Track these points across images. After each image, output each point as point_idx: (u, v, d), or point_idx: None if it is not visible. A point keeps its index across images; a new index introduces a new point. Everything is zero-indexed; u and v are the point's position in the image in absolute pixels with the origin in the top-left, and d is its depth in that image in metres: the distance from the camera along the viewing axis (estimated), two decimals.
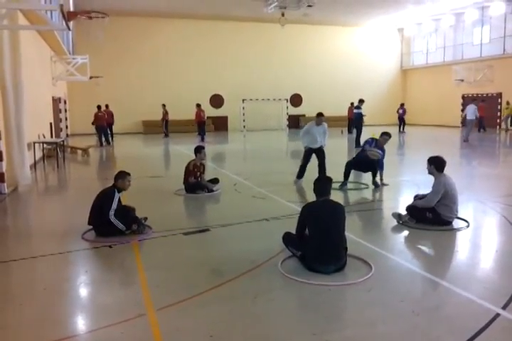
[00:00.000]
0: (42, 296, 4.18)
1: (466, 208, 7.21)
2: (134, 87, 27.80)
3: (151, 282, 4.41)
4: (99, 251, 5.50)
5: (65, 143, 16.26)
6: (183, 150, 16.98)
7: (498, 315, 3.65)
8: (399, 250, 5.45)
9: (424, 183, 7.02)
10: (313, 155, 9.75)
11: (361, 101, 18.61)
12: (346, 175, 9.17)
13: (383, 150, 9.18)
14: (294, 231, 4.99)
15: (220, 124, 29.50)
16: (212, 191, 8.80)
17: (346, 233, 4.83)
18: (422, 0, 24.83)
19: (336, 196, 8.08)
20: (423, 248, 5.78)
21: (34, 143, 12.58)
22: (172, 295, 4.08)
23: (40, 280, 4.64)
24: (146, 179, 10.48)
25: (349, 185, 9.34)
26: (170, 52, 28.35)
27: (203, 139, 21.25)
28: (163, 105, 24.01)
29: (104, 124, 20.09)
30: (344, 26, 31.81)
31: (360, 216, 7.20)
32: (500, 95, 26.49)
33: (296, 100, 31.76)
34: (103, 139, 19.93)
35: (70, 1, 18.70)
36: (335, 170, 9.39)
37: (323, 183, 4.98)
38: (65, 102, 23.58)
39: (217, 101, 29.92)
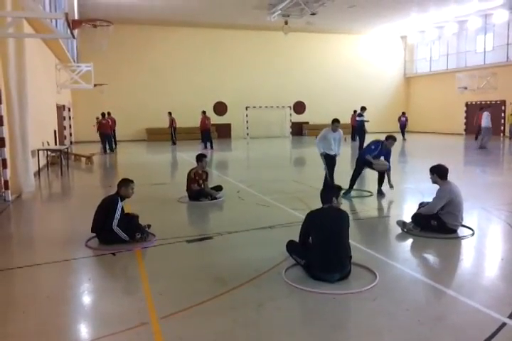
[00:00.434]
0: (45, 304, 4.16)
1: (470, 216, 7.17)
2: (138, 94, 27.93)
3: (154, 290, 4.39)
4: (103, 258, 5.49)
5: (69, 151, 16.30)
6: (186, 157, 17.00)
7: (504, 324, 3.61)
8: (404, 258, 5.42)
9: (428, 191, 7.00)
10: None
11: (363, 108, 18.65)
12: (352, 182, 9.15)
13: (389, 152, 9.16)
14: (297, 239, 4.97)
15: (224, 132, 29.56)
16: (215, 198, 8.79)
17: (350, 241, 4.80)
18: (426, 8, 24.94)
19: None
20: (428, 256, 5.74)
21: (38, 150, 12.62)
22: (175, 303, 4.06)
23: (43, 288, 4.62)
24: (150, 186, 10.49)
25: (353, 193, 9.31)
26: (173, 60, 28.50)
27: (205, 147, 21.16)
28: (169, 113, 23.97)
29: (108, 131, 20.19)
30: (347, 34, 31.94)
31: (364, 224, 7.17)
32: (504, 103, 26.48)
33: (299, 107, 31.83)
34: (107, 146, 20.00)
35: (75, 9, 18.90)
36: (339, 178, 9.38)
37: (326, 191, 4.97)
38: (69, 110, 23.70)
39: (220, 108, 30.01)
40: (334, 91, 31.84)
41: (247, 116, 28.93)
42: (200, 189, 8.81)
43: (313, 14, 23.75)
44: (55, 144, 16.44)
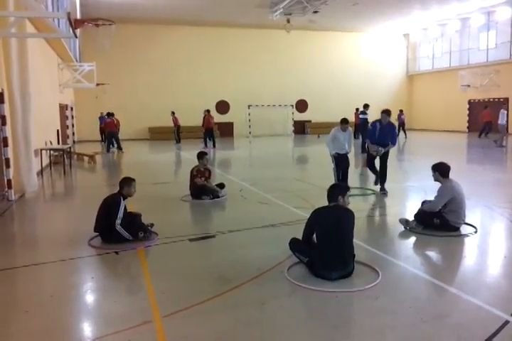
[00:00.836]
0: (48, 303, 4.17)
1: (473, 214, 7.16)
2: (141, 93, 27.96)
3: (157, 289, 4.40)
4: (106, 257, 5.50)
5: (72, 150, 16.33)
6: (189, 156, 17.00)
7: (507, 322, 3.61)
8: (406, 256, 5.41)
9: (431, 189, 6.99)
10: None
11: (366, 106, 18.57)
12: (374, 172, 9.33)
13: (392, 128, 9.21)
14: (300, 237, 4.96)
15: (226, 130, 29.59)
16: (217, 197, 8.80)
17: (354, 239, 4.80)
18: (428, 5, 24.87)
19: None
20: (431, 254, 5.74)
21: (41, 149, 12.64)
22: (178, 302, 4.07)
23: (46, 287, 4.64)
24: (152, 185, 10.51)
25: (356, 191, 9.31)
26: (176, 59, 28.51)
27: (206, 145, 21.10)
28: (172, 112, 23.92)
29: (114, 130, 20.19)
30: (350, 32, 31.90)
31: (367, 222, 7.17)
32: (506, 100, 26.40)
33: (301, 106, 31.81)
34: (112, 145, 19.98)
35: (77, 8, 18.92)
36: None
37: (333, 189, 4.94)
38: (71, 109, 23.73)
39: (223, 107, 30.02)
40: (336, 90, 31.81)
41: (249, 114, 28.89)
42: (203, 184, 8.81)
43: (315, 12, 23.74)
44: (58, 143, 16.45)
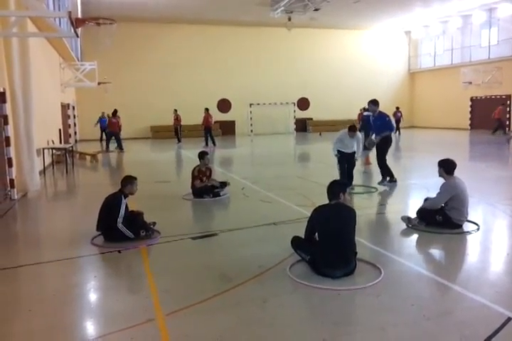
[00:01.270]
0: (51, 302, 4.19)
1: (476, 211, 7.15)
2: (142, 92, 27.95)
3: (160, 287, 4.41)
4: (108, 256, 5.51)
5: (74, 149, 16.35)
6: (190, 155, 17.01)
7: (509, 319, 3.60)
8: (408, 254, 5.41)
9: (434, 186, 6.98)
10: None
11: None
12: (384, 169, 9.47)
13: (382, 117, 9.43)
14: (302, 235, 4.96)
15: (228, 129, 29.56)
16: (218, 195, 8.80)
17: (356, 237, 4.79)
18: (429, 3, 24.80)
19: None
20: (433, 251, 5.74)
21: (43, 149, 12.67)
22: (180, 300, 4.07)
23: (49, 286, 4.65)
24: (154, 184, 10.52)
25: (358, 189, 9.30)
26: (177, 57, 28.48)
27: (206, 144, 21.05)
28: (175, 110, 23.81)
29: (116, 130, 20.15)
30: (351, 30, 31.82)
31: (368, 219, 7.16)
32: (509, 97, 26.32)
33: (303, 104, 31.75)
34: (110, 145, 19.95)
35: (78, 8, 18.90)
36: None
37: (335, 186, 4.91)
38: (73, 108, 23.75)
39: (224, 105, 29.99)
40: (338, 87, 31.74)
41: (251, 113, 28.90)
42: (203, 185, 8.82)
43: (316, 10, 23.67)
44: (60, 143, 16.48)
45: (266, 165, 14.70)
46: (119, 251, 5.56)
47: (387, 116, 9.64)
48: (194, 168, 9.02)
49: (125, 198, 6.03)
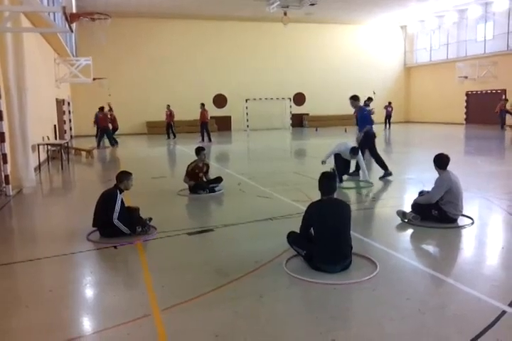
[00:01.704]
0: (48, 298, 4.18)
1: (471, 205, 7.18)
2: (138, 87, 27.87)
3: (156, 282, 4.41)
4: (104, 252, 5.51)
5: (69, 145, 16.31)
6: (185, 150, 16.99)
7: (504, 312, 3.63)
8: (404, 248, 5.43)
9: (429, 181, 7.00)
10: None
11: (369, 99, 18.54)
12: (380, 164, 9.70)
13: (360, 111, 9.99)
14: (298, 231, 4.97)
15: (224, 124, 29.52)
16: (213, 191, 8.80)
17: (351, 231, 4.80)
18: None
19: (339, 194, 8.09)
20: (428, 246, 5.76)
21: (38, 145, 12.62)
22: (177, 295, 4.08)
23: (45, 282, 4.65)
24: (150, 180, 10.51)
25: (353, 184, 9.32)
26: (173, 52, 28.40)
27: (202, 139, 21.03)
28: (168, 106, 23.79)
29: (104, 125, 20.05)
30: (347, 24, 31.80)
31: (364, 214, 7.18)
32: (504, 92, 26.38)
33: (299, 99, 31.74)
34: (101, 141, 19.84)
35: (73, 2, 18.79)
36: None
37: (328, 181, 4.89)
38: (68, 104, 23.65)
39: (220, 101, 29.95)
40: (334, 82, 31.73)
41: (247, 108, 28.88)
42: (196, 183, 8.82)
43: (312, 4, 23.61)
44: (55, 139, 16.44)
45: (262, 160, 14.70)
46: (115, 247, 5.56)
47: (365, 110, 9.88)
48: (190, 164, 9.02)
49: (121, 193, 6.02)
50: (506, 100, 24.83)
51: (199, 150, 9.06)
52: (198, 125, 22.29)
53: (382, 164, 9.82)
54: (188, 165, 8.99)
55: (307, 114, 31.74)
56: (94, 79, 21.32)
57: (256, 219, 6.74)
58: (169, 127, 23.52)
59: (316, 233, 4.70)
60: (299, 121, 31.12)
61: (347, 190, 8.86)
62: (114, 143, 19.99)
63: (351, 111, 24.92)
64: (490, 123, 25.66)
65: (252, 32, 29.75)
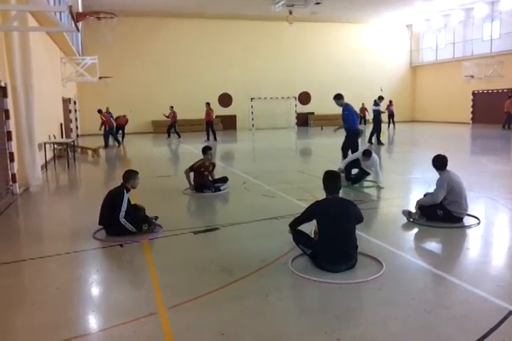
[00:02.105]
0: (54, 296, 4.21)
1: (477, 205, 7.16)
2: (143, 86, 27.90)
3: (162, 281, 4.43)
4: (110, 250, 5.54)
5: (76, 144, 16.36)
6: (191, 149, 17.02)
7: (511, 312, 3.62)
8: (409, 248, 5.43)
9: (434, 180, 6.97)
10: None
11: (381, 98, 18.49)
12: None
13: (343, 110, 10.34)
14: (303, 230, 4.97)
15: (229, 123, 29.52)
16: (219, 190, 8.82)
17: (356, 231, 4.80)
18: None
19: (345, 193, 8.09)
20: (434, 245, 5.75)
21: (45, 143, 12.68)
22: (183, 293, 4.10)
23: (52, 280, 4.67)
24: (156, 178, 10.53)
25: (360, 183, 9.30)
26: (178, 51, 28.41)
27: (208, 138, 21.03)
28: (171, 107, 23.75)
29: (112, 125, 20.03)
30: (352, 23, 31.69)
31: (370, 213, 7.16)
32: (511, 91, 26.22)
33: (304, 98, 31.69)
34: (110, 140, 19.85)
35: (79, 2, 18.83)
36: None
37: (334, 180, 4.89)
38: (74, 103, 23.73)
39: (225, 100, 29.94)
40: (339, 81, 31.61)
41: (252, 107, 28.86)
42: (202, 182, 8.83)
43: (317, 3, 23.57)
44: (62, 137, 16.51)
45: (267, 159, 14.70)
46: (121, 245, 5.58)
47: (346, 109, 9.97)
48: (195, 163, 9.03)
49: (127, 192, 6.04)
50: (510, 97, 24.65)
51: (206, 150, 9.07)
52: (203, 124, 22.28)
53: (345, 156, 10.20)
54: (195, 163, 9.00)
55: (312, 113, 31.69)
56: (100, 78, 21.37)
57: (261, 218, 6.75)
58: (171, 127, 23.54)
59: (321, 232, 4.70)
60: (304, 120, 31.08)
61: (352, 189, 8.84)
62: (107, 144, 19.64)
63: (357, 109, 24.96)
64: (496, 123, 25.51)
65: (257, 31, 29.71)
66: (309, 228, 5.31)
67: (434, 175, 6.44)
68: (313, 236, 5.08)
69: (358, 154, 9.11)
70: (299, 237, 4.97)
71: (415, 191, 8.83)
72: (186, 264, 4.94)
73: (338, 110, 10.53)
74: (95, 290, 4.42)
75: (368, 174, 9.19)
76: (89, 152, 16.12)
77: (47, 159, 12.88)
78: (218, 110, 26.80)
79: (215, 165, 9.30)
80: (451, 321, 3.55)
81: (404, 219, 6.42)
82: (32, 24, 11.29)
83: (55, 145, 14.21)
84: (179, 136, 23.29)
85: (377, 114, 17.92)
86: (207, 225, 6.52)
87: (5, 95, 9.11)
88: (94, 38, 23.08)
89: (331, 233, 4.59)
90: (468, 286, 4.15)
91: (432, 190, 6.86)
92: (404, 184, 9.54)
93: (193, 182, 8.90)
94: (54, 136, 14.59)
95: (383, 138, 17.83)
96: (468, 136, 22.71)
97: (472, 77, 27.90)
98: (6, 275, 4.80)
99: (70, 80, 20.50)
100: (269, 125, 29.26)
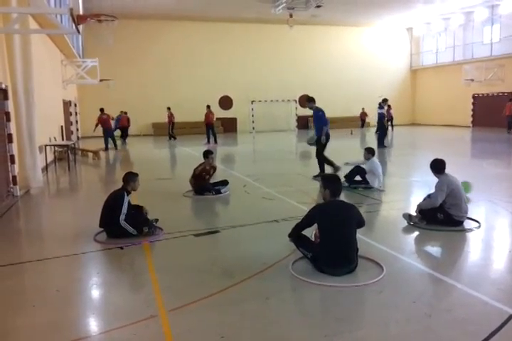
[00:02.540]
0: (55, 297, 4.21)
1: (478, 208, 7.16)
2: (144, 89, 27.93)
3: (163, 283, 4.43)
4: (111, 252, 5.53)
5: (76, 146, 16.38)
6: (190, 151, 17.03)
7: (511, 316, 3.62)
8: (410, 251, 5.42)
9: (435, 184, 6.98)
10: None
11: (385, 100, 18.46)
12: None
13: (314, 113, 10.35)
14: (304, 234, 4.97)
15: (229, 126, 29.52)
16: (219, 193, 8.82)
17: (357, 234, 4.80)
18: None
19: (345, 196, 8.08)
20: (434, 249, 5.75)
21: (45, 146, 12.69)
22: (183, 296, 4.09)
23: (52, 282, 4.67)
24: (155, 181, 10.53)
25: (360, 186, 9.29)
26: (179, 54, 28.46)
27: (208, 141, 21.01)
28: (168, 108, 23.81)
29: (110, 127, 19.91)
30: (353, 26, 31.73)
31: (370, 217, 7.16)
32: (511, 94, 26.24)
33: (304, 101, 31.61)
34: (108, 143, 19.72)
35: (80, 4, 18.86)
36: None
37: (335, 184, 4.89)
38: (75, 105, 23.75)
39: (226, 102, 29.96)
40: (340, 84, 31.68)
41: (252, 110, 28.88)
42: (202, 185, 8.84)
43: (318, 7, 23.61)
44: (62, 140, 16.51)
45: (268, 162, 14.71)
46: (122, 248, 5.58)
47: (319, 111, 10.14)
48: (197, 167, 9.03)
49: (128, 195, 6.05)
50: (510, 100, 24.65)
51: (207, 154, 9.07)
52: (203, 127, 22.27)
53: (322, 165, 10.25)
54: (196, 169, 8.99)
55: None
56: (100, 80, 21.39)
57: (262, 220, 6.75)
58: (171, 129, 23.56)
59: (322, 235, 4.69)
60: (304, 123, 31.05)
61: (353, 192, 8.84)
62: (107, 147, 19.48)
63: (357, 113, 25.09)
64: (497, 127, 25.52)
65: (257, 34, 29.76)
66: (310, 231, 5.30)
67: (434, 178, 6.44)
68: (313, 239, 5.08)
69: (361, 160, 9.27)
70: (300, 240, 4.96)
71: (416, 194, 8.83)
72: (187, 267, 4.94)
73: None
74: (96, 293, 4.42)
75: (367, 182, 9.19)
76: (90, 154, 16.13)
77: (47, 161, 12.89)
78: (219, 113, 26.82)
79: (215, 169, 9.30)
80: (452, 324, 3.54)
81: (405, 223, 6.41)
82: (33, 26, 11.31)
83: (56, 148, 14.23)
84: (174, 138, 23.27)
85: (381, 116, 17.88)
86: (207, 228, 6.52)
87: (6, 97, 9.13)
88: (95, 41, 23.07)
89: (331, 236, 4.58)
90: (469, 289, 4.15)
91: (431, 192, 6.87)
92: (404, 187, 9.55)
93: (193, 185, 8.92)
94: (55, 138, 14.60)
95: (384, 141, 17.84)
96: (469, 139, 22.71)
97: (472, 80, 27.91)
98: (7, 276, 4.79)
99: (70, 83, 20.52)
100: (269, 128, 29.28)
